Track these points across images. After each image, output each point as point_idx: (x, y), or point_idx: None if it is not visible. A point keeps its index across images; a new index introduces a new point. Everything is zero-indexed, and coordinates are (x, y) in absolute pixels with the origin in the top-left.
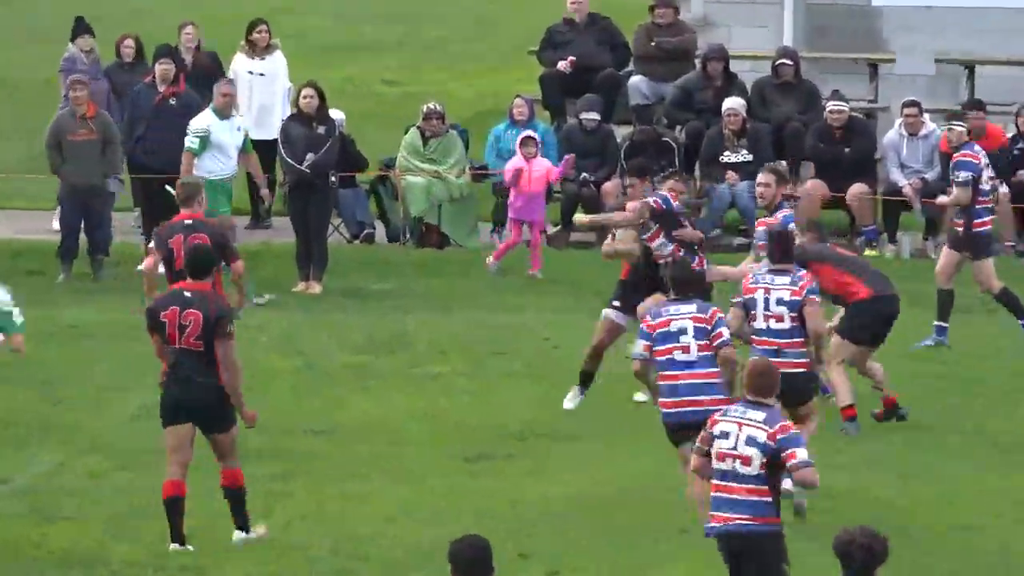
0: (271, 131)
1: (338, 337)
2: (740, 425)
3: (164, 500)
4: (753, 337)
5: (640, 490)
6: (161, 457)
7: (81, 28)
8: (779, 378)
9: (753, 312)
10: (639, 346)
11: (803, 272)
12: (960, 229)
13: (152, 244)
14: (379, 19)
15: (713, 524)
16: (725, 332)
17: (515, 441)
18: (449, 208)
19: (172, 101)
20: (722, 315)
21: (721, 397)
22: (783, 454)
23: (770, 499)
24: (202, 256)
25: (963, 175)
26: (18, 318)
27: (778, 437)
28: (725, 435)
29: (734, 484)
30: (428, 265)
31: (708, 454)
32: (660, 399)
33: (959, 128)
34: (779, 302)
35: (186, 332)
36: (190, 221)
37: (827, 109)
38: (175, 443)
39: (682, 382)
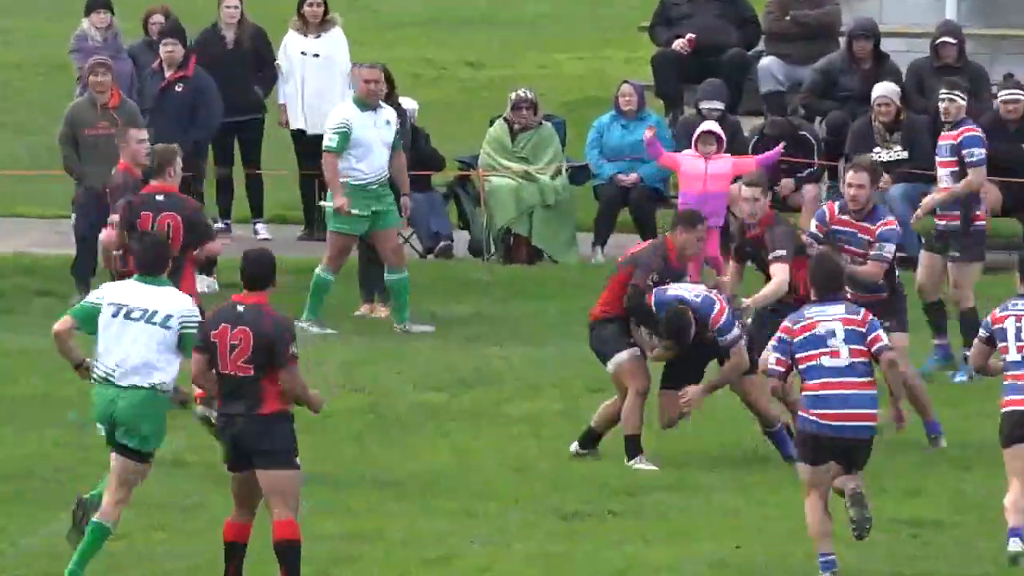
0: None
1: (409, 371)
2: None
3: (224, 543)
4: (1007, 373)
5: (778, 555)
6: (198, 515)
7: (96, 2)
8: None
9: (1004, 344)
10: (772, 360)
11: None
12: (951, 224)
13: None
14: None
15: None
16: (883, 335)
17: (621, 495)
18: (542, 215)
19: (178, 87)
20: (872, 317)
21: (875, 411)
22: None
23: None
24: (262, 262)
25: (978, 153)
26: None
27: None
28: None
29: None
30: (516, 285)
31: None
32: (802, 410)
33: (961, 101)
34: None
35: (234, 353)
36: (162, 196)
37: (999, 98)
38: (236, 489)
39: (832, 392)
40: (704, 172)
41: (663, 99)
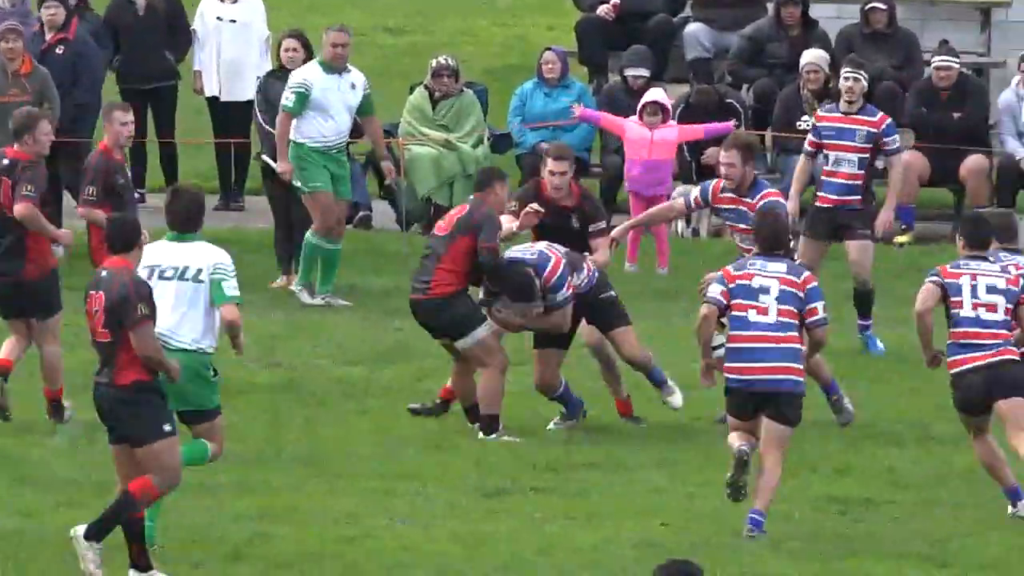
0: (245, 91)
1: (327, 346)
2: None
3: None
4: (953, 331)
5: (703, 533)
6: (110, 491)
7: None
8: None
9: (958, 299)
10: (715, 290)
11: (1012, 258)
12: (851, 206)
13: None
14: None
15: None
16: (821, 309)
17: (544, 473)
18: (463, 185)
19: (59, 50)
20: (816, 284)
21: (799, 366)
22: None
23: None
24: (124, 226)
25: (898, 140)
26: (231, 291)
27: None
28: None
29: None
30: None
31: None
32: (725, 364)
33: (865, 81)
34: (991, 289)
35: (96, 319)
36: (7, 161)
37: (933, 65)
38: (116, 464)
39: (753, 345)
40: (650, 140)
41: (587, 66)
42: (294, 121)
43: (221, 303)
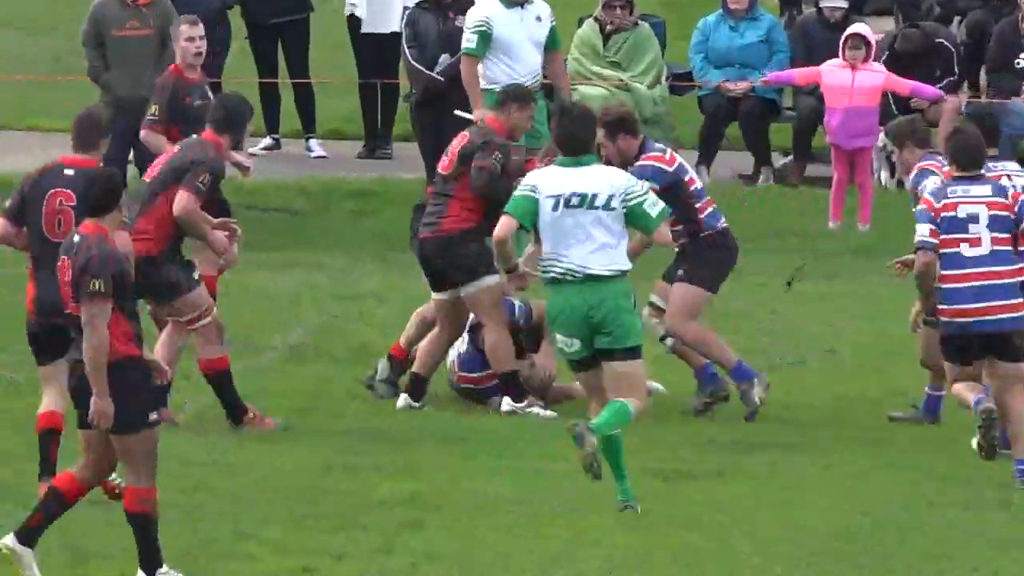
0: (390, 22)
1: None
2: None
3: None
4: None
5: (912, 523)
6: (229, 477)
7: None
8: None
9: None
10: (925, 231)
11: (1006, 168)
12: None
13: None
14: None
15: None
16: None
17: (725, 455)
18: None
19: None
20: None
21: (1020, 301)
22: None
23: None
24: (102, 184)
25: None
26: (657, 210)
27: None
28: None
29: None
30: None
31: None
32: (939, 306)
33: None
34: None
35: (64, 291)
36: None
37: None
38: (83, 447)
39: (968, 285)
40: (851, 85)
41: None
42: (480, 67)
43: (655, 228)
